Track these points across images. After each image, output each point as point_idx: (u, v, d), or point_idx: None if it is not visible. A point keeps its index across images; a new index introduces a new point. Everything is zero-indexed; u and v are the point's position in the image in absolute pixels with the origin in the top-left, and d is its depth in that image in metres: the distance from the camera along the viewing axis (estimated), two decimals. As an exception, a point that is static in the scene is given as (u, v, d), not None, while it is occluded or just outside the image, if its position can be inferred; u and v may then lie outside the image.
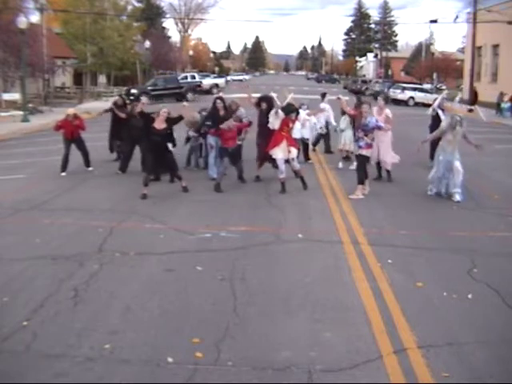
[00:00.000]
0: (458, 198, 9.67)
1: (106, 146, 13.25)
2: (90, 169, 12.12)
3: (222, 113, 10.86)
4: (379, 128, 9.98)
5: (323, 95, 14.60)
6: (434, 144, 12.03)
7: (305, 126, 12.63)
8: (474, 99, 32.67)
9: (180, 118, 10.17)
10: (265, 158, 10.75)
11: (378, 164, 11.30)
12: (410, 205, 9.49)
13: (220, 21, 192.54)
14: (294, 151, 10.28)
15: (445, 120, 10.63)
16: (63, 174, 11.65)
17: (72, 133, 11.79)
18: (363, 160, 9.97)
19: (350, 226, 7.98)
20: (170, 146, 10.33)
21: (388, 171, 11.26)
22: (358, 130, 10.02)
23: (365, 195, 9.84)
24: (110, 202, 9.29)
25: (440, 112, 12.61)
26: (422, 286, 5.81)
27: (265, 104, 10.96)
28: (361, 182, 9.90)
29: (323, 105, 14.03)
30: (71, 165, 11.82)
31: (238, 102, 11.95)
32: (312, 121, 12.96)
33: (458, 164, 9.74)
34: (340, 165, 12.68)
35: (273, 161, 10.50)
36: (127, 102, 12.91)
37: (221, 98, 11.34)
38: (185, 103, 11.62)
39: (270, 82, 69.59)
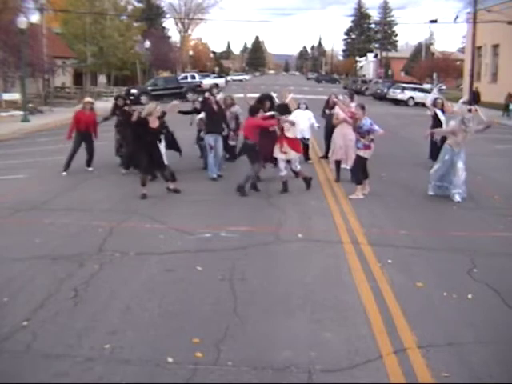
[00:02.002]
0: (458, 198, 9.66)
1: (106, 146, 13.21)
2: (90, 169, 12.11)
3: (215, 107, 10.92)
4: (373, 131, 9.88)
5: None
6: (434, 144, 12.01)
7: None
8: (475, 99, 32.60)
9: (163, 114, 10.13)
10: (265, 158, 10.64)
11: (339, 165, 11.24)
12: (410, 205, 9.49)
13: (220, 21, 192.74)
14: (291, 153, 10.06)
15: (455, 121, 10.47)
16: (64, 173, 11.62)
17: (87, 123, 11.79)
18: (360, 161, 9.94)
19: (349, 226, 7.98)
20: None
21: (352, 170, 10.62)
22: (355, 133, 10.00)
23: (365, 195, 9.84)
24: (110, 202, 9.29)
25: (439, 112, 12.56)
26: (422, 286, 5.81)
27: (268, 102, 10.84)
28: (358, 182, 9.90)
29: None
30: (71, 165, 11.80)
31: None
32: (311, 121, 12.94)
33: (461, 165, 9.74)
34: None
35: (274, 160, 10.47)
36: (127, 102, 12.83)
37: (211, 93, 11.39)
38: (174, 102, 11.48)
39: (269, 82, 69.59)
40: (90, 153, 12.11)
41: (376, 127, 9.86)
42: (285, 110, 10.35)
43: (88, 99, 12.52)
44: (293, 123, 9.91)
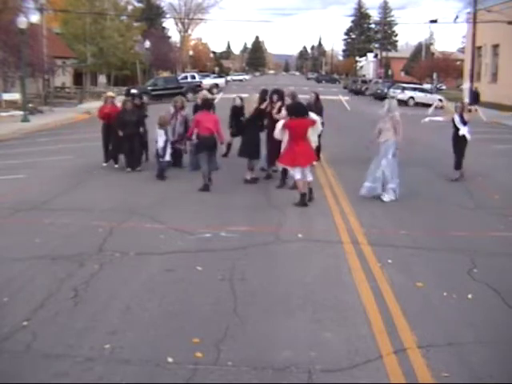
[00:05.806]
0: (363, 191, 9.61)
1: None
2: (116, 166, 12.20)
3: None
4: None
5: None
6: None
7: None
8: (475, 99, 32.53)
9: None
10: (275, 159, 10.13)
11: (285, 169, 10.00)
12: (410, 205, 9.48)
13: (220, 21, 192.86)
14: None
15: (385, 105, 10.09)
16: (104, 164, 12.15)
17: (108, 117, 12.08)
18: None
19: (350, 226, 7.98)
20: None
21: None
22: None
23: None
24: (110, 202, 9.29)
25: (456, 118, 11.79)
26: (422, 286, 5.81)
27: (276, 96, 10.43)
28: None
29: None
30: (71, 165, 11.81)
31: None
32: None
33: (383, 161, 9.59)
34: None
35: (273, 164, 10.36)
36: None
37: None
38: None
39: (269, 82, 69.55)
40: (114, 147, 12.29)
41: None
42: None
43: (109, 93, 12.86)
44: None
